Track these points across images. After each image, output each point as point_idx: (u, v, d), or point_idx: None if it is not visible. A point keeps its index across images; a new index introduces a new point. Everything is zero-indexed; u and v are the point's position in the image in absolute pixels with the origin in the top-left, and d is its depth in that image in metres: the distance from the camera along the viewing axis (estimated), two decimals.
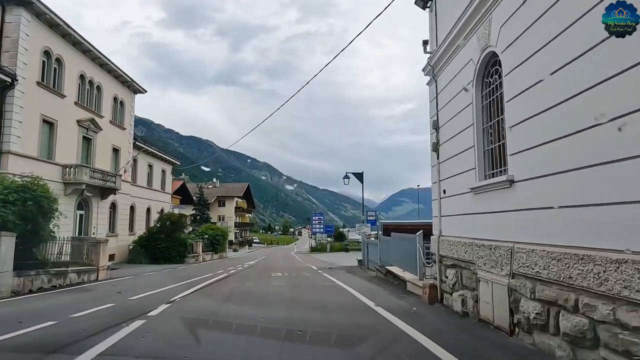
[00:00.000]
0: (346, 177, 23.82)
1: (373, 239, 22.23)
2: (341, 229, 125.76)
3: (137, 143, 30.54)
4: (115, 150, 26.66)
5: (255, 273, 19.09)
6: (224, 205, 71.61)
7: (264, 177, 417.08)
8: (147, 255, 26.66)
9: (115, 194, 25.60)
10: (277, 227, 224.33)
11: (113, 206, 26.90)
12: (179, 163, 39.67)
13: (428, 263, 11.18)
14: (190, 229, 40.80)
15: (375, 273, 17.49)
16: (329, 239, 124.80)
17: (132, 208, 30.85)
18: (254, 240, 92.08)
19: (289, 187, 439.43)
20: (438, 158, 9.22)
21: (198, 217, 60.15)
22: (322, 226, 51.97)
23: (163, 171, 36.78)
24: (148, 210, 32.83)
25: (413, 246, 11.78)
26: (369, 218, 23.32)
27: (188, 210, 61.16)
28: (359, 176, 23.71)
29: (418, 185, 55.06)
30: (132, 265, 24.91)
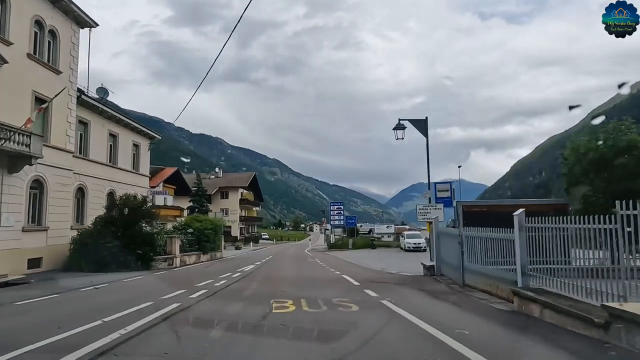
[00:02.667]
0: (399, 127, 13.99)
1: (451, 228, 12.48)
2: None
3: (85, 99, 21.06)
4: (40, 100, 17.12)
5: (238, 298, 9.43)
6: (227, 197, 62.18)
7: (274, 175, 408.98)
8: (91, 258, 17.18)
9: (31, 164, 16.10)
10: (287, 223, 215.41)
11: (38, 185, 17.46)
12: (159, 137, 30.16)
13: None
14: (172, 225, 31.37)
15: (482, 298, 7.79)
16: (343, 234, 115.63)
17: (81, 191, 21.41)
18: (263, 236, 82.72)
19: (296, 179, 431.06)
20: None
21: (196, 210, 50.75)
22: (342, 217, 43.54)
23: (135, 145, 27.28)
24: (111, 195, 23.35)
25: None
26: (439, 195, 13.53)
27: (184, 202, 51.88)
28: (420, 124, 13.89)
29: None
30: (62, 275, 15.53)
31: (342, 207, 42.98)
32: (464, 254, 9.90)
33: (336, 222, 42.61)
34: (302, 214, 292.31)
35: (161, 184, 45.96)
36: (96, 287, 11.61)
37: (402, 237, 36.07)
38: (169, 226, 28.10)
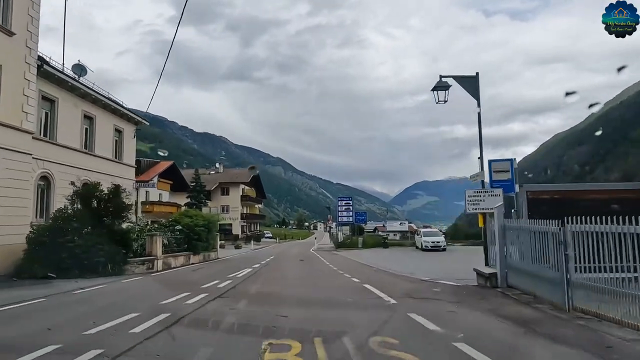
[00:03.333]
0: (441, 86, 10.32)
1: (515, 223, 8.79)
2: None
3: (50, 70, 17.51)
4: None
5: (208, 334, 5.82)
6: (227, 193, 58.67)
7: (278, 173, 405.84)
8: (48, 261, 13.65)
9: None
10: (291, 222, 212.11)
11: None
12: (146, 122, 26.59)
13: None
14: (158, 221, 28.09)
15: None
16: (346, 232, 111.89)
17: (45, 180, 17.90)
18: (266, 235, 79.24)
19: (299, 177, 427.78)
20: None
21: (194, 207, 47.24)
22: (350, 214, 39.87)
23: (118, 131, 23.76)
24: (86, 187, 19.77)
25: None
26: (496, 177, 9.91)
27: (182, 199, 48.42)
28: (469, 83, 10.23)
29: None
30: (11, 284, 12.07)
31: (350, 202, 39.86)
32: (569, 261, 6.25)
33: (344, 219, 38.80)
34: (305, 213, 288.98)
35: (155, 178, 42.47)
36: (18, 304, 8.05)
37: (418, 235, 32.43)
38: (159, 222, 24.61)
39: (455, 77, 10.39)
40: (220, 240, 49.07)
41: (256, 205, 69.38)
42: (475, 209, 10.08)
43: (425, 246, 29.39)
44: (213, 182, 57.79)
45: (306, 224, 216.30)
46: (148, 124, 26.55)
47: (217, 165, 65.78)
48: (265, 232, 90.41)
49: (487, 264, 10.08)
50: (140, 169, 40.56)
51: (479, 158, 10.42)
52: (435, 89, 10.42)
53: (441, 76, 10.39)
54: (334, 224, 68.98)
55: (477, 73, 10.45)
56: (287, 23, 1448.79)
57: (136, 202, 37.76)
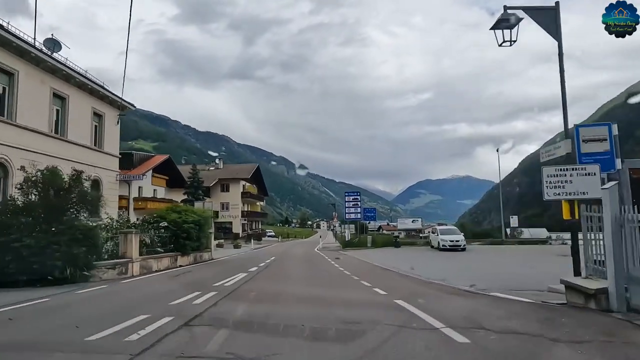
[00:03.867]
0: (504, 22, 7.26)
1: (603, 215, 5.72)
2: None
3: (6, 36, 14.54)
4: None
5: None
6: (227, 189, 55.69)
7: (281, 172, 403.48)
8: None
9: None
10: (294, 220, 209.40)
11: None
12: (132, 107, 23.55)
13: None
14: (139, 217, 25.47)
15: None
16: (351, 230, 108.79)
17: (2, 168, 14.95)
18: (268, 233, 76.30)
19: (301, 174, 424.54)
20: None
21: (191, 204, 44.32)
22: (359, 210, 35.09)
23: (97, 115, 20.80)
24: None
25: None
26: (586, 150, 6.75)
27: (179, 195, 45.51)
28: (545, 16, 7.10)
29: None
30: None
31: (358, 197, 36.25)
32: None
33: (352, 216, 35.31)
34: (308, 211, 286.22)
35: (149, 173, 39.55)
36: None
37: (433, 233, 29.32)
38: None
39: (526, 9, 7.30)
40: (219, 239, 46.16)
41: (258, 203, 66.40)
42: (559, 194, 6.99)
43: (443, 245, 26.29)
44: (212, 178, 54.84)
45: (309, 222, 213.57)
46: (134, 108, 23.52)
47: (217, 161, 62.85)
48: (267, 230, 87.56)
49: (578, 273, 7.00)
50: (132, 162, 37.66)
51: (564, 124, 7.32)
52: (497, 25, 7.33)
53: (506, 7, 7.30)
54: (338, 222, 65.91)
55: (557, 2, 7.34)
56: (289, 21, 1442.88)
57: (128, 198, 34.98)
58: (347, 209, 34.17)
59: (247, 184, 58.72)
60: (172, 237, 17.93)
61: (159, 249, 16.79)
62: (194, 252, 19.65)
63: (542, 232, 50.60)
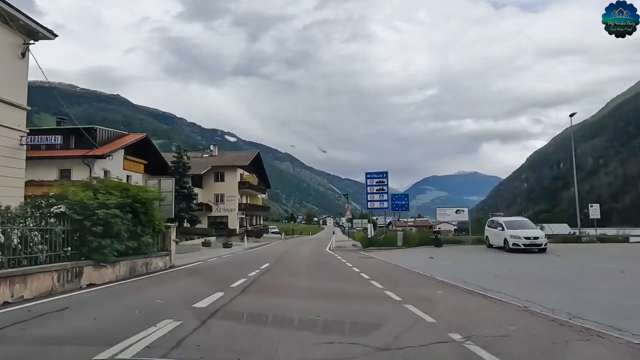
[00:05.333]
0: None
1: None
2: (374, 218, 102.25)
3: None
4: None
5: None
6: (222, 179, 47.35)
7: (286, 169, 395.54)
8: None
9: None
10: (299, 217, 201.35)
11: None
12: (53, 37, 15.05)
13: None
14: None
15: None
16: (358, 225, 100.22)
17: None
18: (271, 230, 68.05)
19: (308, 173, 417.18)
20: None
21: (176, 195, 36.03)
22: (385, 197, 24.66)
23: None
24: None
25: None
26: None
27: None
28: None
29: None
30: None
31: (385, 180, 24.99)
32: None
33: (376, 205, 25.08)
34: (314, 208, 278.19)
35: (120, 155, 31.32)
36: None
37: (493, 227, 20.71)
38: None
39: None
40: (210, 236, 37.82)
41: (259, 195, 58.00)
42: None
43: (515, 245, 17.61)
44: (205, 165, 46.52)
45: (315, 219, 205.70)
46: (54, 38, 15.07)
47: (212, 147, 54.40)
48: (271, 227, 79.43)
49: None
50: (95, 139, 29.44)
51: None
52: None
53: None
54: (350, 215, 57.40)
55: None
56: (293, 18, 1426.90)
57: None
58: (369, 195, 24.81)
59: (246, 172, 50.27)
60: (74, 233, 9.57)
61: (36, 255, 8.42)
62: (128, 259, 11.24)
63: (564, 228, 47.28)
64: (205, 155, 51.68)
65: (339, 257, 18.29)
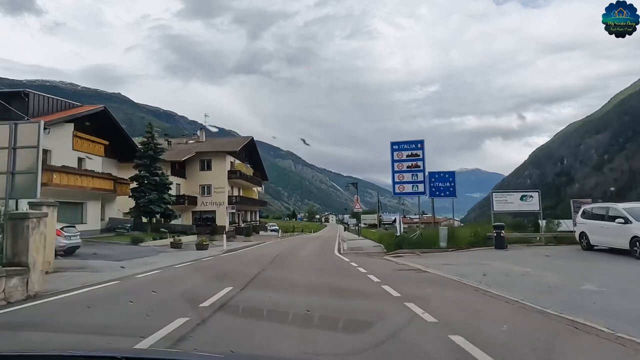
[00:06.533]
0: None
1: None
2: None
3: None
4: None
5: None
6: (209, 167, 39.71)
7: (288, 167, 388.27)
8: None
9: None
10: (301, 214, 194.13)
11: None
12: None
13: None
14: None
15: None
16: (365, 220, 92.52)
17: None
18: (270, 227, 60.47)
19: (310, 171, 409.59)
20: None
21: (145, 183, 28.45)
22: (421, 177, 16.49)
23: None
24: None
25: None
26: None
27: (127, 170, 29.78)
28: None
29: None
30: None
31: (421, 151, 16.92)
32: None
33: (407, 189, 16.71)
34: (316, 205, 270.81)
35: (68, 130, 23.75)
36: None
37: (594, 218, 13.06)
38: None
39: None
40: (190, 234, 30.25)
41: (254, 188, 50.34)
42: None
43: None
44: (188, 151, 38.88)
45: (317, 216, 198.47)
46: None
47: (199, 132, 46.67)
48: (270, 224, 71.95)
49: None
50: (27, 107, 21.91)
51: None
52: None
53: None
54: (361, 209, 49.97)
55: None
56: (295, 14, 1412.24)
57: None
58: (396, 174, 16.60)
59: (237, 160, 42.54)
60: None
61: None
62: None
63: None
64: (190, 141, 44.07)
65: (361, 269, 10.66)
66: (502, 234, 14.94)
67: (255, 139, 49.83)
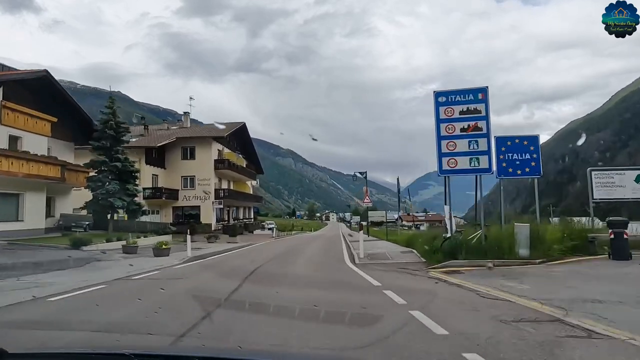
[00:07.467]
0: None
1: None
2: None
3: None
4: None
5: None
6: (192, 156, 33.62)
7: (288, 165, 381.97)
8: None
9: None
10: (301, 212, 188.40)
11: None
12: None
13: None
14: None
15: None
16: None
17: None
18: (268, 226, 54.59)
19: (310, 169, 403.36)
20: None
21: (105, 170, 22.31)
22: (482, 148, 9.95)
23: None
24: None
25: None
26: None
27: (88, 157, 23.74)
28: None
29: None
30: None
31: (484, 107, 10.04)
32: None
33: (460, 164, 10.28)
34: (317, 204, 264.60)
35: None
36: None
37: None
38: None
39: None
40: (159, 234, 23.93)
41: (247, 182, 44.20)
42: None
43: None
44: (168, 137, 32.80)
45: (317, 214, 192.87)
46: None
47: (183, 118, 40.47)
48: (267, 222, 66.25)
49: None
50: None
51: None
52: None
53: None
54: (371, 202, 43.86)
55: None
56: (294, 12, 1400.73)
57: None
58: (443, 141, 10.35)
59: (226, 149, 36.38)
60: None
61: None
62: None
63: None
64: (173, 127, 37.93)
65: (425, 321, 4.57)
66: (624, 236, 8.91)
67: (255, 137, 43.81)
